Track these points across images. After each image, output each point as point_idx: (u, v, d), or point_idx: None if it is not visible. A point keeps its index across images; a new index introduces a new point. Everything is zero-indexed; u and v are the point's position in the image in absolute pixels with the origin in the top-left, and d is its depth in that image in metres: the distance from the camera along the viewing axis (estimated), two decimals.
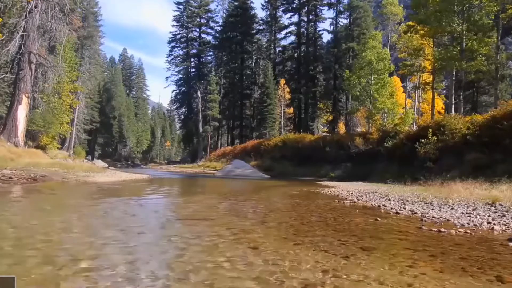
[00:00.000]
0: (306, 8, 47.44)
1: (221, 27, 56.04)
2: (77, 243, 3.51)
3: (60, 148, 30.44)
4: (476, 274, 2.80)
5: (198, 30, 58.36)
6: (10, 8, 18.19)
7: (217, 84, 50.91)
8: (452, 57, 20.25)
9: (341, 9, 44.69)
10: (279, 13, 52.37)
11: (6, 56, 17.96)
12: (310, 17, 47.78)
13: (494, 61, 20.52)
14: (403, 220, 5.61)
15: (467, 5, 20.38)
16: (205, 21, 57.87)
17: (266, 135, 41.67)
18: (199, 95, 52.85)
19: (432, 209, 6.60)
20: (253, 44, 53.58)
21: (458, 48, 20.64)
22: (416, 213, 6.18)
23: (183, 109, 60.50)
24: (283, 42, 53.50)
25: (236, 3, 52.82)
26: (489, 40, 20.48)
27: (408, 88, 37.43)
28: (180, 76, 58.78)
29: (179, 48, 58.29)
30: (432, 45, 23.98)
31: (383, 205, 7.37)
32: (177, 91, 60.14)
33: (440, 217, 5.67)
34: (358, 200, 8.58)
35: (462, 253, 3.46)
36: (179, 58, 58.14)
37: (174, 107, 69.44)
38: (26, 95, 18.55)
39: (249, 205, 7.53)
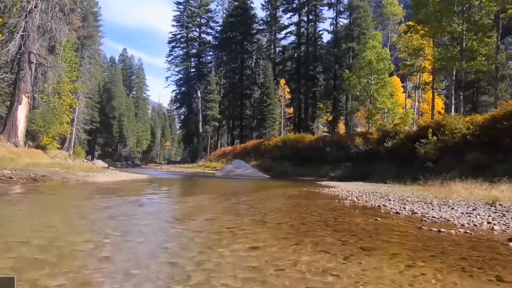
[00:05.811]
0: (306, 8, 47.45)
1: (221, 27, 56.08)
2: (77, 242, 3.51)
3: (60, 148, 30.46)
4: (476, 274, 2.79)
5: (198, 30, 58.45)
6: (10, 8, 18.19)
7: (217, 84, 50.92)
8: (452, 57, 20.26)
9: (341, 9, 44.74)
10: (279, 13, 52.44)
11: (6, 56, 17.95)
12: (310, 17, 47.81)
13: (494, 61, 20.54)
14: (403, 220, 5.61)
15: (467, 5, 20.40)
16: (205, 21, 57.94)
17: (266, 135, 41.68)
18: (199, 95, 52.88)
19: (432, 209, 6.59)
20: (253, 44, 53.59)
21: (458, 48, 20.65)
22: (416, 213, 6.18)
23: (183, 109, 60.54)
24: (283, 42, 53.63)
25: (236, 3, 52.87)
26: (489, 40, 20.51)
27: (408, 88, 37.44)
28: (180, 76, 58.91)
29: (179, 48, 58.39)
30: (432, 45, 24.00)
31: (383, 205, 7.37)
32: (177, 91, 60.30)
33: (440, 217, 5.67)
34: (358, 200, 8.58)
35: (462, 253, 3.46)
36: (179, 58, 58.21)
37: (174, 107, 69.46)
38: (26, 95, 18.55)
39: (249, 205, 7.53)
